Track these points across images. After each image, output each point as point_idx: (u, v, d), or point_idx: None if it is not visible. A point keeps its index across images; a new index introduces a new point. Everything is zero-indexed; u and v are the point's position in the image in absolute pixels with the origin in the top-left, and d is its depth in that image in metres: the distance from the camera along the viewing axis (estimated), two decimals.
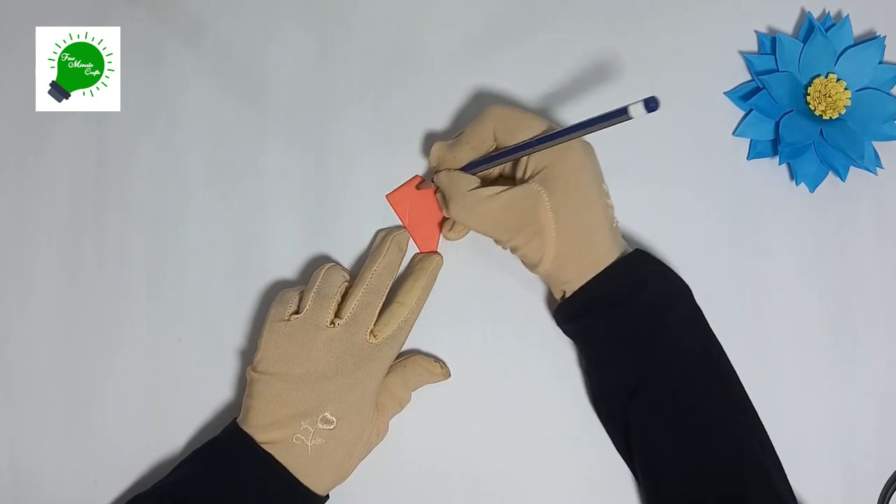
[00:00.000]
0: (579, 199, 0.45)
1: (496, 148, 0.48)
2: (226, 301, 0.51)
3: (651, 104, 0.35)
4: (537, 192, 0.45)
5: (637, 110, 0.36)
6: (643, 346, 0.45)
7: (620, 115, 0.37)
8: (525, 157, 0.46)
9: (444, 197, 0.48)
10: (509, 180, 0.49)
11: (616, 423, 0.47)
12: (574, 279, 0.46)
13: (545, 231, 0.45)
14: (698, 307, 0.46)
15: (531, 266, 0.47)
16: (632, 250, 0.46)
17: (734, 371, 0.46)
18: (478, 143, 0.47)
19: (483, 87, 0.53)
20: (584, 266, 0.45)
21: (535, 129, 0.46)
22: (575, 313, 0.47)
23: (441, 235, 0.51)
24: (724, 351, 0.46)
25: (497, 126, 0.47)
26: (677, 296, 0.46)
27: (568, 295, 0.46)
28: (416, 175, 0.52)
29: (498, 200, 0.45)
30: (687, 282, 0.46)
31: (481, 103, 0.53)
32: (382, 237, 0.50)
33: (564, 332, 0.49)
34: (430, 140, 0.53)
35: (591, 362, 0.48)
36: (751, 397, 0.45)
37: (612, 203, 0.47)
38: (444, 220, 0.51)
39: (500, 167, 0.48)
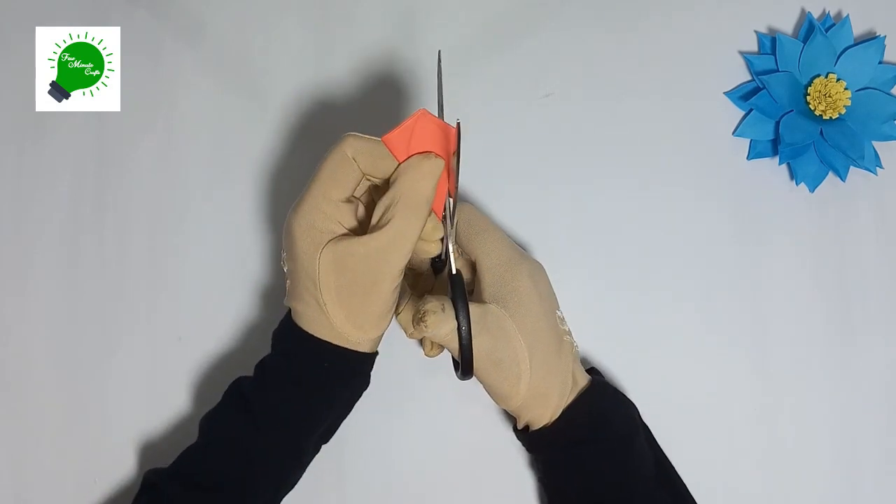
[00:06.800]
0: (543, 327, 0.43)
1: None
2: (226, 301, 0.51)
3: None
4: (500, 315, 0.42)
5: None
6: (608, 477, 0.43)
7: None
8: (484, 275, 0.43)
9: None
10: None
11: None
12: (542, 416, 0.43)
13: (520, 361, 0.42)
14: (645, 424, 0.45)
15: (499, 398, 0.44)
16: (588, 383, 0.44)
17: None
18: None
19: (483, 87, 0.53)
20: (552, 402, 0.43)
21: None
22: (536, 447, 0.45)
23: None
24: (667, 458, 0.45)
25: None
26: (634, 426, 0.44)
27: (533, 429, 0.44)
28: (421, 108, 0.41)
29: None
30: (687, 282, 0.45)
31: (481, 102, 0.53)
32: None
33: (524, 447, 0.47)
34: None
35: (549, 491, 0.47)
36: (750, 399, 0.45)
37: (568, 328, 0.45)
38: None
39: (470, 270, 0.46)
